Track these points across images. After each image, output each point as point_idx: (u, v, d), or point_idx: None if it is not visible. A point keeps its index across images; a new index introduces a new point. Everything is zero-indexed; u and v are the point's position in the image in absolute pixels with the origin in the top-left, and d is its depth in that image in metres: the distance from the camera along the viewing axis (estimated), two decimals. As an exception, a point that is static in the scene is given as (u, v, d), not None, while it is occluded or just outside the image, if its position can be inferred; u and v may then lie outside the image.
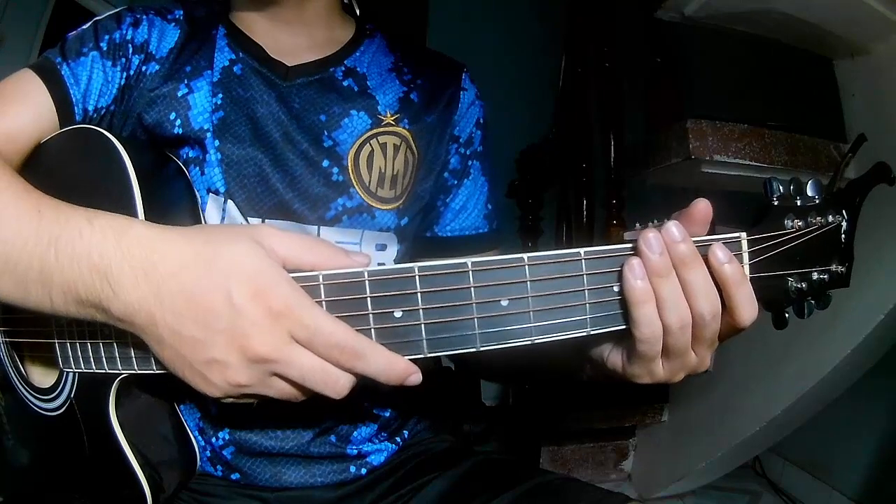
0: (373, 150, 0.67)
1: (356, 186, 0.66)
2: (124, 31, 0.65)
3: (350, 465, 0.68)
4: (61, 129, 0.61)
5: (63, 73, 0.61)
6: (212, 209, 0.63)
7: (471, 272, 0.41)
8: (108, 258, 0.41)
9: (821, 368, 1.35)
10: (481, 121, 0.75)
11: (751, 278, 0.44)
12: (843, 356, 1.30)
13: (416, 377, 0.42)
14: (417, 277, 0.41)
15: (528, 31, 2.10)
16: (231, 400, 0.44)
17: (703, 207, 0.44)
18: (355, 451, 0.69)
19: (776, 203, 0.45)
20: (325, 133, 0.66)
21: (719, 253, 0.42)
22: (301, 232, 0.64)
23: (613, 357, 0.49)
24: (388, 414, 0.71)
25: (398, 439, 0.73)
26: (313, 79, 0.68)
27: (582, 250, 0.42)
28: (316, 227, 0.65)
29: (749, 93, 1.77)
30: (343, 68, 0.70)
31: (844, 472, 1.62)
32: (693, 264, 0.42)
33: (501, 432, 1.83)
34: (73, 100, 0.61)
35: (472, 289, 0.41)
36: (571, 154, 1.72)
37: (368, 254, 0.44)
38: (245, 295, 0.39)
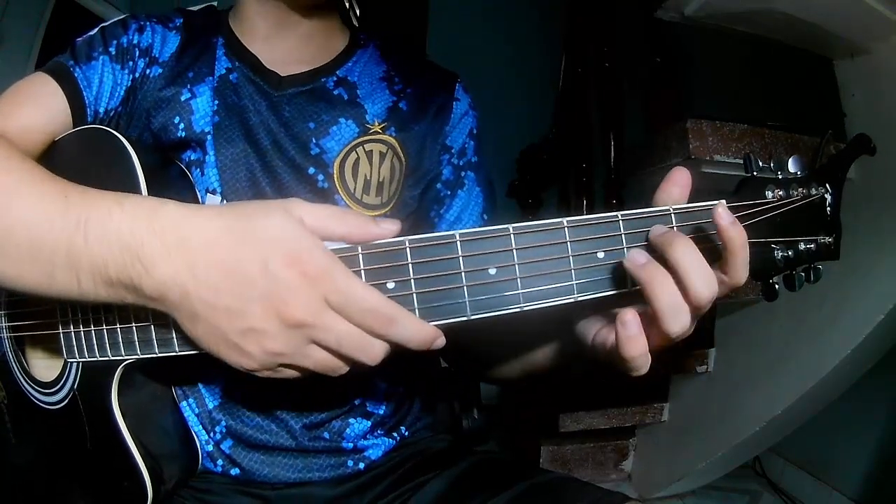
0: (358, 157, 0.68)
1: (341, 193, 0.67)
2: (131, 36, 0.68)
3: (347, 459, 0.69)
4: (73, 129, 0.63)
5: (76, 75, 0.64)
6: None
7: (458, 242, 0.42)
8: (140, 236, 0.41)
9: (821, 368, 1.35)
10: (475, 131, 0.76)
11: None
12: (843, 356, 1.30)
13: (441, 340, 0.42)
14: (408, 249, 0.42)
15: (528, 31, 2.10)
16: (268, 373, 0.43)
17: (681, 171, 0.45)
18: (351, 446, 0.69)
19: (757, 175, 0.46)
20: (313, 141, 0.68)
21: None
22: None
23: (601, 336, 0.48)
24: (381, 411, 0.71)
25: (395, 435, 0.73)
26: (304, 89, 0.70)
27: (565, 220, 0.43)
28: None
29: (749, 93, 1.78)
30: (335, 78, 0.71)
31: (844, 472, 1.62)
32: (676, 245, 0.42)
33: (501, 432, 1.83)
34: (87, 102, 0.64)
35: (461, 258, 0.42)
36: (571, 154, 1.73)
37: (397, 220, 0.44)
38: (281, 262, 0.40)
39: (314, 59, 0.72)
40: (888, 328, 1.25)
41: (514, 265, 0.42)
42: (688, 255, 0.41)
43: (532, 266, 0.43)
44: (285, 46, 0.71)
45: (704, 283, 0.40)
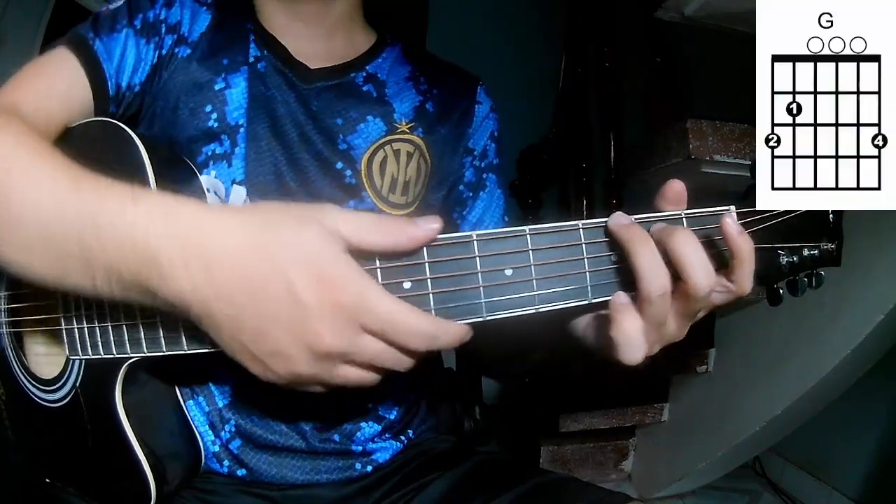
0: (386, 156, 0.68)
1: (368, 190, 0.67)
2: (158, 11, 0.65)
3: (356, 462, 0.68)
4: (95, 103, 0.61)
5: (96, 48, 0.61)
6: (236, 201, 0.63)
7: (475, 242, 0.42)
8: (156, 241, 0.38)
9: (821, 368, 1.35)
10: (496, 133, 0.76)
11: None
12: (843, 356, 1.30)
13: (469, 334, 0.41)
14: (425, 249, 0.42)
15: (528, 31, 2.10)
16: (292, 386, 0.42)
17: (676, 184, 0.46)
18: (360, 449, 0.69)
19: None
20: (341, 136, 0.67)
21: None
22: None
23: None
24: (392, 416, 0.71)
25: (403, 438, 0.72)
26: (333, 83, 0.69)
27: (580, 222, 0.43)
28: None
29: (749, 93, 1.77)
30: (364, 74, 0.71)
31: (844, 472, 1.62)
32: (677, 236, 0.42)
33: (502, 432, 1.83)
34: (107, 74, 0.61)
35: (478, 258, 0.42)
36: (571, 154, 1.73)
37: (438, 218, 0.41)
38: (308, 285, 0.36)
39: (341, 56, 0.71)
40: (888, 328, 1.25)
41: (529, 266, 0.42)
42: (687, 245, 0.41)
43: (547, 268, 0.43)
44: (308, 40, 0.70)
45: (703, 273, 0.41)
